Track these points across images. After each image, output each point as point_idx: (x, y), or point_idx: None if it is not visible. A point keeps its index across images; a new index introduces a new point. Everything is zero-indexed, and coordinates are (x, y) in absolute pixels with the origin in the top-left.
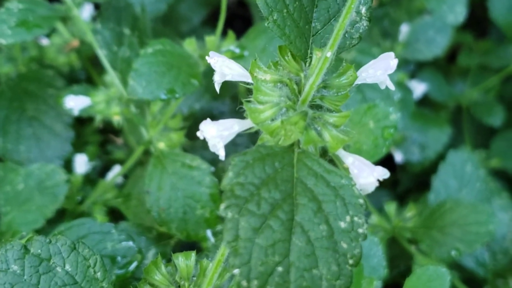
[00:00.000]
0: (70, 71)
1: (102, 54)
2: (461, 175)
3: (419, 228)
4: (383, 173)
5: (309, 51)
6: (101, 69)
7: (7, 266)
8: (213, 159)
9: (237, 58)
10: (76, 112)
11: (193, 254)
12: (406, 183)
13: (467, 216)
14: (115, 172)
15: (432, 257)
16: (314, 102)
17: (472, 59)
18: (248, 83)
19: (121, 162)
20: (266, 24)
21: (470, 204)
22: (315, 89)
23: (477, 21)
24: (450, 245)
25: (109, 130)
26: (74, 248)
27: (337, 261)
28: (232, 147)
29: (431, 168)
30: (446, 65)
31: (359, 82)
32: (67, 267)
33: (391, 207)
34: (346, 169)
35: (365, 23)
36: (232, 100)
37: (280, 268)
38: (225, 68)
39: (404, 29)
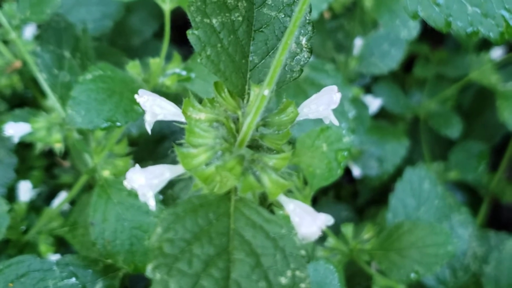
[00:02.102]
0: (13, 93)
1: (42, 78)
2: (419, 193)
3: (377, 251)
4: (327, 220)
5: (246, 87)
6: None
7: None
8: None
9: (183, 80)
10: (16, 140)
11: None
12: (366, 195)
13: (425, 238)
14: (61, 199)
15: (391, 278)
16: (253, 141)
17: (429, 69)
18: (182, 123)
19: (69, 186)
20: (198, 61)
21: (428, 225)
22: (254, 128)
23: (433, 29)
24: (409, 268)
25: (55, 153)
26: None
27: None
28: None
29: (392, 178)
30: (402, 75)
31: (301, 118)
32: None
33: (348, 229)
34: (286, 218)
35: (306, 54)
36: None
37: None
38: (156, 107)
39: (358, 43)
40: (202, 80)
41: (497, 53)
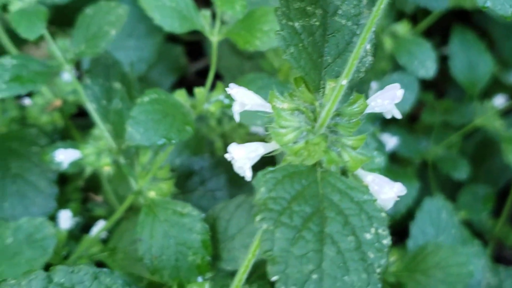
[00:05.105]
0: (52, 130)
1: (92, 108)
2: (437, 222)
3: (403, 272)
4: (402, 189)
5: (322, 82)
6: (82, 129)
7: None
8: (200, 207)
9: (225, 107)
10: (65, 166)
11: (206, 284)
12: None
13: (448, 258)
14: (99, 227)
15: None
16: (329, 128)
17: (435, 117)
18: (266, 113)
19: (103, 218)
20: (283, 57)
21: (450, 246)
22: (331, 115)
23: (435, 85)
24: (433, 287)
25: (89, 189)
26: (96, 277)
27: (366, 270)
28: (212, 200)
29: (404, 220)
30: (408, 125)
31: (369, 111)
32: None
33: None
34: (366, 187)
35: (370, 58)
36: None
37: (314, 276)
38: (245, 98)
39: (374, 87)
40: None
41: (499, 101)
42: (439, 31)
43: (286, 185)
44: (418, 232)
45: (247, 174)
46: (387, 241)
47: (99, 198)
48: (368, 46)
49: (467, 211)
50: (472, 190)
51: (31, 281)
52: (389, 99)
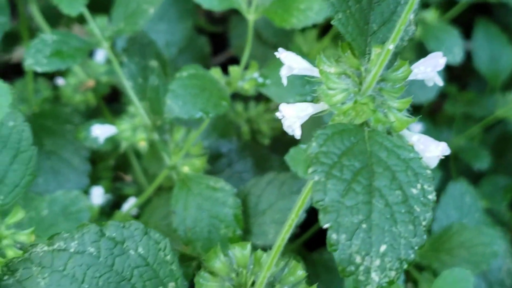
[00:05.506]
0: (85, 110)
1: (128, 85)
2: (461, 205)
3: (428, 251)
4: (446, 148)
5: (367, 49)
6: (114, 113)
7: (83, 249)
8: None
9: (259, 86)
10: (101, 141)
11: (248, 244)
12: None
13: (473, 238)
14: (131, 203)
15: None
16: (374, 92)
17: (457, 108)
18: (312, 77)
19: (132, 197)
20: (331, 22)
21: (475, 227)
22: (376, 80)
23: (458, 78)
24: (458, 266)
25: (118, 169)
26: (146, 232)
27: (412, 222)
28: (239, 181)
29: None
30: (430, 116)
31: (412, 78)
32: (140, 250)
33: None
34: (411, 146)
35: (413, 27)
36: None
37: (364, 225)
38: (293, 62)
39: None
40: (276, 86)
41: None
42: (460, 26)
43: (336, 141)
44: (442, 215)
45: (297, 133)
46: (432, 196)
47: (128, 178)
48: (412, 16)
49: (487, 201)
50: (493, 181)
51: (84, 234)
52: (431, 66)
